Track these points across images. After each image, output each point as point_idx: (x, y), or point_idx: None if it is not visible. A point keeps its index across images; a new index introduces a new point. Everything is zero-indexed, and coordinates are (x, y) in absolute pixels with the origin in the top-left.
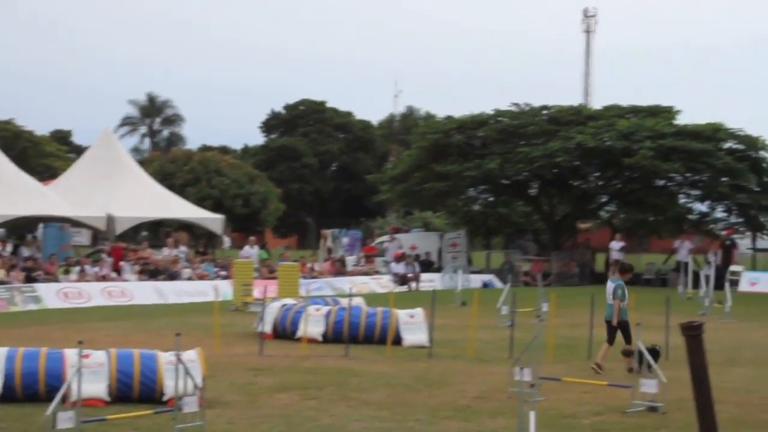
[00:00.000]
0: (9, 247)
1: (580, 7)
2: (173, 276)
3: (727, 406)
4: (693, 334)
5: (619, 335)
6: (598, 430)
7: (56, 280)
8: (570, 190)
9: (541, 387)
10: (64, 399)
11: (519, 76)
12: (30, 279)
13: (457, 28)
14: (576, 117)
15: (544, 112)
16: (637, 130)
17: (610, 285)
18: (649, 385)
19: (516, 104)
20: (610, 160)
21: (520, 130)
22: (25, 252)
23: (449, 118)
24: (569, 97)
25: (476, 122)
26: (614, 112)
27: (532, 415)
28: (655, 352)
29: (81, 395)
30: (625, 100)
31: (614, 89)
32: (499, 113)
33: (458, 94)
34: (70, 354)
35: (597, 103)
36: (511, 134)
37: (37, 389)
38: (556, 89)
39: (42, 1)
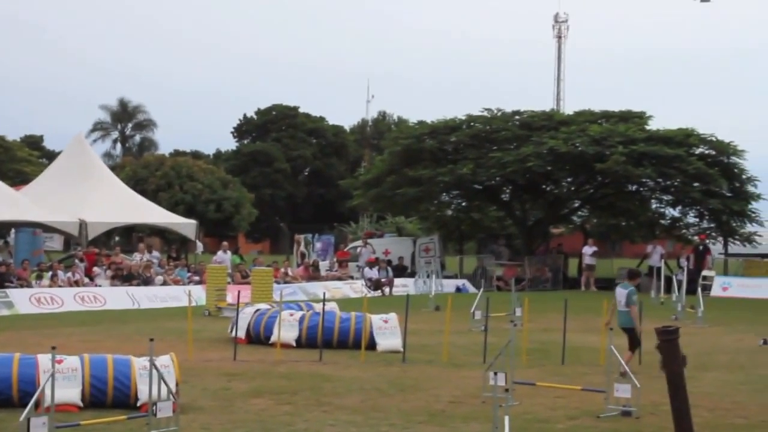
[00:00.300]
0: None
1: (551, 12)
2: (146, 281)
3: (700, 411)
4: (669, 338)
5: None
6: None
7: (29, 286)
8: (542, 195)
9: (515, 392)
10: (38, 404)
11: (491, 81)
12: (2, 284)
13: (429, 34)
14: (548, 122)
15: (516, 117)
16: (609, 135)
17: (621, 291)
18: (623, 390)
19: (488, 109)
20: (582, 165)
21: (493, 136)
22: None
23: (422, 123)
24: (541, 103)
25: (448, 127)
26: (586, 117)
27: (506, 420)
28: None
29: (54, 401)
30: (597, 106)
31: (586, 94)
32: (471, 118)
33: (430, 100)
34: (44, 359)
35: (568, 109)
36: (483, 139)
37: (10, 395)
38: (527, 95)
39: (13, 4)
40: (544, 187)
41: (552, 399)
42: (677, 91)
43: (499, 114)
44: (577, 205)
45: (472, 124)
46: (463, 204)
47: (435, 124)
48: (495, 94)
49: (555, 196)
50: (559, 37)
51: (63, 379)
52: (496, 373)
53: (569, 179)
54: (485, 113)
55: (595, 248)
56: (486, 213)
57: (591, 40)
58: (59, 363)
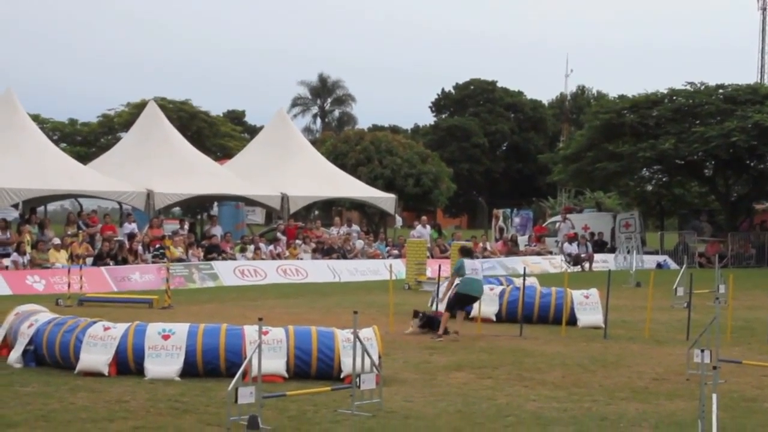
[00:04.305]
0: (186, 226)
1: None
2: (346, 254)
3: None
4: None
5: None
6: None
7: (233, 258)
8: (746, 170)
9: (720, 370)
10: (245, 374)
11: (692, 54)
12: (208, 257)
13: (627, 8)
14: (753, 96)
15: (720, 91)
16: None
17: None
18: None
19: (691, 83)
20: None
21: (696, 110)
22: (215, 230)
23: (622, 98)
24: (745, 76)
25: (650, 101)
26: None
27: (714, 398)
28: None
29: (261, 371)
30: None
31: None
32: (673, 92)
33: (629, 74)
34: (250, 330)
35: None
36: (685, 114)
37: (217, 365)
38: (730, 68)
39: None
40: (748, 162)
41: (758, 378)
42: None
43: (703, 88)
44: None
45: (674, 98)
46: (664, 179)
47: (636, 98)
48: (697, 68)
49: (759, 171)
50: (764, 9)
51: (269, 350)
52: (702, 351)
53: None
54: (688, 87)
55: None
56: (688, 188)
57: None
58: (265, 334)
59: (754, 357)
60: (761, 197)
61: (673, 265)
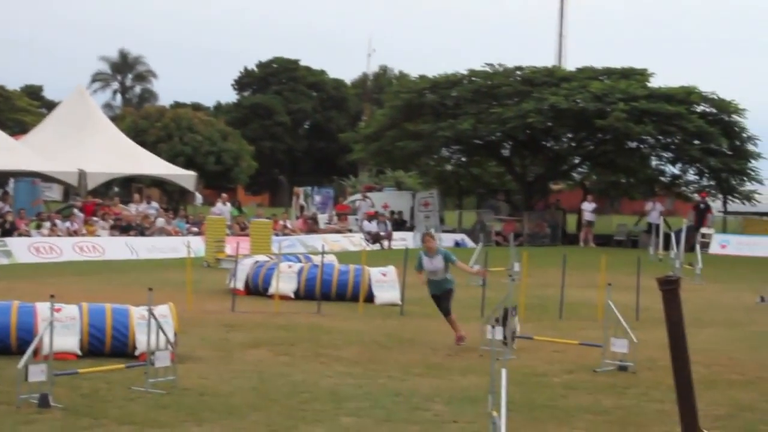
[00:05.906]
0: None
1: None
2: (143, 232)
3: (697, 367)
4: (670, 288)
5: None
6: (569, 388)
7: (28, 235)
8: (542, 151)
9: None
10: (36, 352)
11: (492, 36)
12: (2, 233)
13: None
14: (549, 78)
15: (518, 73)
16: (610, 92)
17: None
18: (619, 345)
19: (490, 65)
20: (582, 121)
21: (494, 91)
22: (6, 207)
23: (422, 78)
24: (543, 59)
25: (450, 82)
26: (587, 74)
27: (503, 373)
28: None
29: (53, 349)
30: (599, 62)
31: (588, 51)
32: (472, 73)
33: (432, 54)
34: (42, 308)
35: (571, 65)
36: (484, 95)
37: (8, 343)
38: (529, 50)
39: None
40: (544, 143)
41: (549, 353)
42: (679, 49)
43: (501, 69)
44: (577, 161)
45: (473, 79)
46: (463, 159)
47: (436, 78)
48: (496, 49)
49: (555, 152)
50: None
51: (62, 328)
52: (494, 327)
53: (570, 135)
54: (487, 68)
55: (594, 205)
56: (486, 168)
57: None
58: (58, 311)
59: (546, 333)
60: (556, 178)
61: (470, 244)
